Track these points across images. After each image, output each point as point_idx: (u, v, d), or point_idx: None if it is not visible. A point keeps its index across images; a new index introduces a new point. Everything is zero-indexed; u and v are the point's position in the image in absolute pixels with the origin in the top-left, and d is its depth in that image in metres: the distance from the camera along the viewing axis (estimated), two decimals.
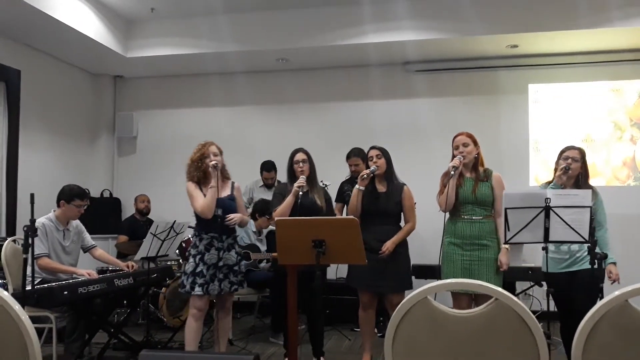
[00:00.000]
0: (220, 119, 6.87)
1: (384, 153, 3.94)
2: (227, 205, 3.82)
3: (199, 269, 3.72)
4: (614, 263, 3.50)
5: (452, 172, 3.50)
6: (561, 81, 6.13)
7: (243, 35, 6.01)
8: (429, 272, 4.80)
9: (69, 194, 4.10)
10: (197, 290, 3.68)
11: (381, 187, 3.93)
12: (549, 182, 3.62)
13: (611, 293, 1.47)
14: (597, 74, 6.01)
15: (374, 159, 3.91)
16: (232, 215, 3.78)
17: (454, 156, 3.69)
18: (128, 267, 4.26)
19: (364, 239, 3.75)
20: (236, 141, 6.77)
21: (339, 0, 5.68)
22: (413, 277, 4.17)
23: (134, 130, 7.03)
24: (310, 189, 4.02)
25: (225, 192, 3.88)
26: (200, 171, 3.78)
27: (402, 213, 3.97)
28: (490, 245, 3.56)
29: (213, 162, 3.72)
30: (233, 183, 3.96)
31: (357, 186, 3.85)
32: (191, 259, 3.77)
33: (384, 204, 3.88)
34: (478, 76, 6.30)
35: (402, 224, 3.98)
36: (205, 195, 3.74)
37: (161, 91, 7.10)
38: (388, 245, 3.79)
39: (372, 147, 3.99)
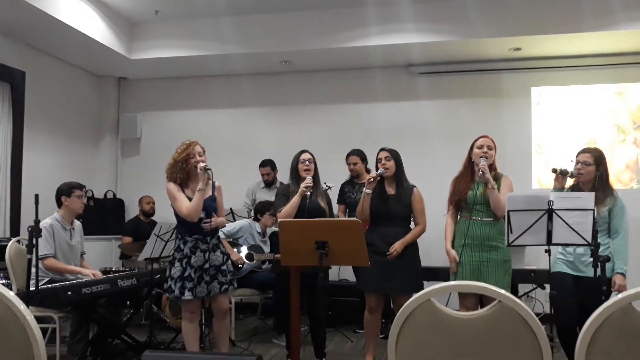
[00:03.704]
0: (223, 120, 6.89)
1: (394, 155, 3.87)
2: (209, 207, 3.69)
3: (187, 273, 3.58)
4: (622, 274, 3.33)
5: (480, 174, 3.52)
6: (564, 84, 6.12)
7: (247, 37, 6.03)
8: (433, 274, 4.79)
9: (67, 188, 4.14)
10: (187, 295, 3.57)
11: (390, 190, 3.88)
12: (571, 186, 3.59)
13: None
14: (601, 77, 6.00)
15: (383, 161, 3.85)
16: (208, 220, 3.63)
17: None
18: (94, 275, 4.02)
19: (372, 241, 3.71)
20: (239, 142, 6.80)
21: (343, 2, 5.69)
22: None
23: (137, 131, 7.05)
24: (314, 192, 4.01)
25: (207, 194, 3.69)
26: (184, 172, 3.63)
27: (411, 215, 3.92)
28: (499, 247, 3.57)
29: (203, 165, 3.57)
30: (214, 183, 3.76)
31: (364, 190, 3.80)
32: (177, 263, 3.61)
33: (392, 206, 3.83)
34: (481, 79, 6.30)
35: (412, 226, 3.94)
36: (189, 198, 3.60)
37: (165, 93, 7.12)
38: (396, 247, 3.75)
39: (382, 149, 3.92)
